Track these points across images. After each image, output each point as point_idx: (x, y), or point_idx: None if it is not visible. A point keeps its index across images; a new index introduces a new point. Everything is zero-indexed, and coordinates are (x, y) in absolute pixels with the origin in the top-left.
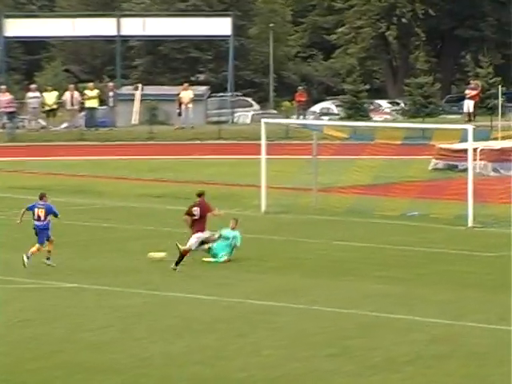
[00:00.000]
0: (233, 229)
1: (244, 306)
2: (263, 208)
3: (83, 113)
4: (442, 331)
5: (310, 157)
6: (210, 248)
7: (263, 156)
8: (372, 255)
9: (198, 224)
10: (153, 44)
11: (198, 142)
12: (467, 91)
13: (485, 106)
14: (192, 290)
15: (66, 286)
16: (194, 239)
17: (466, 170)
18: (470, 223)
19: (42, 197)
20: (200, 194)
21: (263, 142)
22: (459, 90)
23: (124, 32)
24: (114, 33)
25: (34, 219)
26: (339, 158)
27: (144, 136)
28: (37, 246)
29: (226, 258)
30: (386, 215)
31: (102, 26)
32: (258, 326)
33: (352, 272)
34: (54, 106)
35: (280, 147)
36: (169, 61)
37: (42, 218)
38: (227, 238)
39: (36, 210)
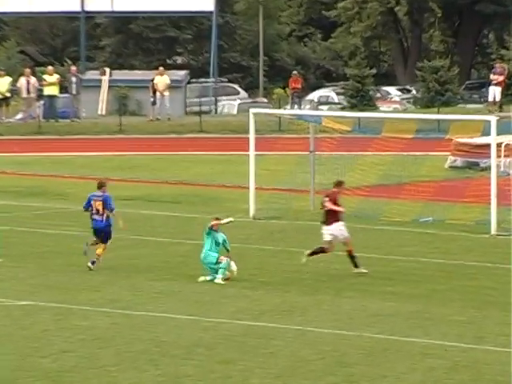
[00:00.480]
0: (215, 231)
1: (229, 328)
2: (252, 213)
3: (41, 102)
4: (461, 357)
5: (307, 153)
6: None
7: (252, 152)
8: (379, 268)
9: (332, 215)
10: (123, 21)
11: (176, 135)
12: (493, 76)
13: (510, 94)
14: (167, 308)
15: (19, 304)
16: (342, 227)
17: (488, 168)
18: (494, 230)
19: (100, 186)
20: (338, 184)
21: (252, 135)
22: (480, 75)
23: (89, 7)
24: (77, 8)
25: (93, 214)
26: (340, 155)
27: (112, 129)
28: (102, 246)
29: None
30: (395, 221)
31: (62, 1)
32: (247, 350)
33: (355, 287)
34: (7, 94)
35: (271, 142)
36: (141, 41)
37: (101, 212)
38: (217, 244)
39: (93, 202)
